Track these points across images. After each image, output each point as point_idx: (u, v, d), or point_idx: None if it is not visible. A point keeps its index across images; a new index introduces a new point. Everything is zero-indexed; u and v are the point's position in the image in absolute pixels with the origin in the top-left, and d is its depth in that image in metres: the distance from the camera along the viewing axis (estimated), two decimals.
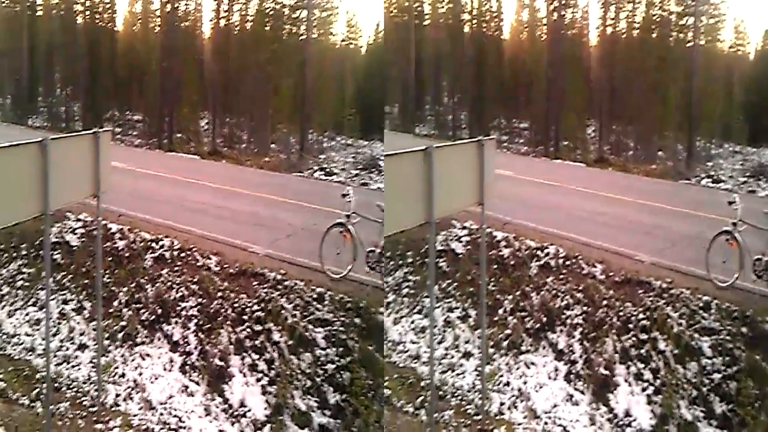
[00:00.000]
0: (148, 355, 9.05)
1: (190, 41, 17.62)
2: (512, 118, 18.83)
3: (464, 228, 11.16)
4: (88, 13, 18.62)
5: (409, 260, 10.93)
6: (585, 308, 9.26)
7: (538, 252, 10.37)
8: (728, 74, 16.40)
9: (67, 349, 9.32)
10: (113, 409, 8.26)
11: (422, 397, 8.56)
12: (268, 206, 12.28)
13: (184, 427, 8.07)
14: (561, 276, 9.87)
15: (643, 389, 8.18)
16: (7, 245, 11.02)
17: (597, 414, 8.18)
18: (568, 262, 10.04)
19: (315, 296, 9.03)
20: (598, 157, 16.82)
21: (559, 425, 8.09)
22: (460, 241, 10.99)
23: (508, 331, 9.46)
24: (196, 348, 8.96)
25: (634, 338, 8.66)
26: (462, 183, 7.15)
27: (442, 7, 19.85)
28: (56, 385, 8.52)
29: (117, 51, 18.78)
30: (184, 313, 9.34)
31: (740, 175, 14.64)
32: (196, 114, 17.45)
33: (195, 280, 9.72)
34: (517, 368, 9.00)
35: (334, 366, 8.41)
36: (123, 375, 8.79)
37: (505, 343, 9.35)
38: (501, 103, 19.04)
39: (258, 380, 8.46)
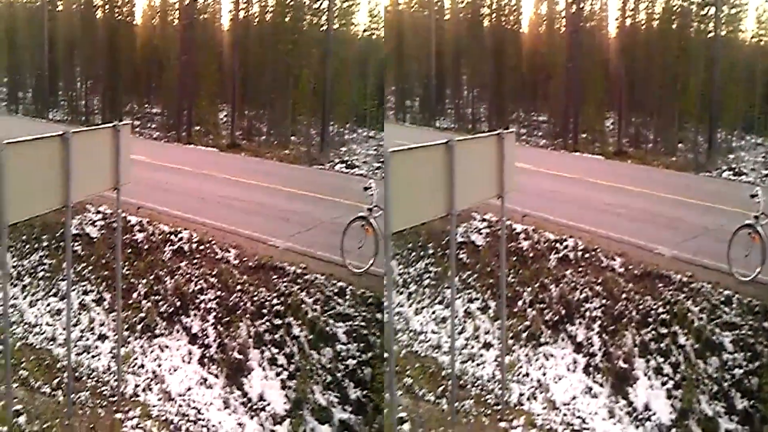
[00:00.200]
0: (166, 346, 9.12)
1: (209, 33, 17.63)
2: (531, 111, 18.76)
3: (484, 220, 11.17)
4: (107, 6, 18.72)
5: (430, 251, 10.99)
6: (604, 301, 9.20)
7: (557, 244, 10.32)
8: (750, 65, 16.18)
9: (88, 340, 9.43)
10: (132, 399, 8.34)
11: (443, 386, 8.59)
12: (289, 199, 12.27)
13: (203, 419, 8.11)
14: (580, 268, 9.82)
15: (663, 383, 8.11)
16: (29, 236, 11.17)
17: (616, 407, 8.13)
18: (587, 255, 9.98)
19: (336, 291, 8.98)
20: (617, 149, 16.69)
21: (578, 417, 8.07)
22: (480, 233, 10.99)
23: (527, 323, 9.45)
24: (214, 341, 8.99)
25: (653, 332, 8.59)
26: (482, 175, 7.18)
27: (462, 2, 19.79)
28: (77, 374, 8.61)
29: (136, 44, 18.88)
30: (202, 305, 9.38)
31: (762, 167, 14.46)
32: (215, 106, 17.44)
33: (214, 272, 9.73)
34: (536, 360, 8.99)
35: (355, 362, 8.36)
36: (142, 366, 8.87)
37: (524, 335, 9.34)
38: (520, 96, 18.97)
39: (277, 374, 8.46)
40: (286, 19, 16.58)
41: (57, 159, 6.60)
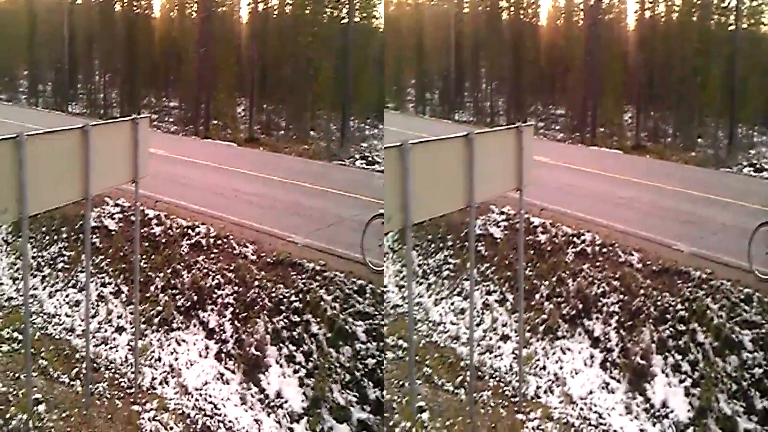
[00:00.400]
0: (183, 340, 9.15)
1: (228, 26, 17.63)
2: (549, 104, 18.68)
3: (502, 213, 11.18)
4: (125, 0, 18.82)
5: (449, 243, 11.02)
6: (621, 296, 9.13)
7: (575, 239, 10.26)
8: None
9: (105, 331, 9.51)
10: (150, 391, 8.40)
11: (461, 377, 8.60)
12: (308, 195, 12.23)
13: (220, 414, 8.13)
14: (597, 263, 9.75)
15: (681, 381, 8.04)
16: (49, 228, 11.28)
17: (633, 403, 8.08)
18: (604, 250, 9.90)
19: (356, 288, 8.93)
20: (636, 143, 16.57)
21: (595, 412, 8.03)
22: (498, 226, 10.99)
23: (545, 316, 9.41)
24: (232, 336, 8.99)
25: (671, 329, 8.51)
26: (501, 168, 7.18)
27: None
28: (95, 365, 8.69)
29: (154, 38, 18.98)
30: (220, 300, 9.38)
31: None
32: (233, 100, 17.43)
33: (231, 268, 9.72)
34: (553, 353, 8.96)
35: (374, 361, 8.31)
36: (159, 359, 8.93)
37: (541, 328, 9.31)
38: (538, 90, 18.90)
39: (295, 372, 8.44)
40: (306, 12, 16.45)
41: (77, 151, 6.64)
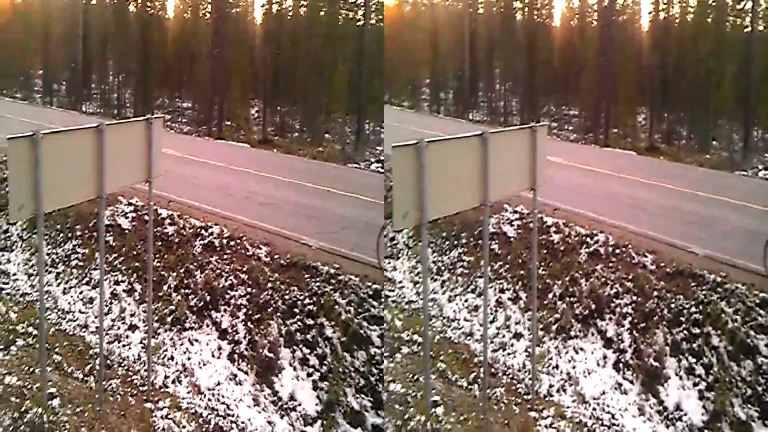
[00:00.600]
0: (196, 340, 9.17)
1: (242, 27, 17.64)
2: (562, 104, 18.62)
3: (515, 212, 11.19)
4: (139, 1, 18.93)
5: (464, 241, 11.03)
6: (635, 298, 9.07)
7: (588, 239, 10.22)
8: None
9: (119, 329, 9.55)
10: (162, 389, 8.43)
11: (475, 373, 8.59)
12: (322, 198, 12.23)
13: (232, 415, 8.13)
14: (611, 264, 9.70)
15: (695, 384, 7.98)
16: (63, 226, 11.36)
17: (646, 405, 8.03)
18: (617, 251, 9.85)
19: (371, 293, 8.95)
20: (649, 145, 16.49)
21: (608, 413, 7.98)
22: (512, 225, 10.99)
23: (557, 316, 9.38)
24: (244, 337, 8.99)
25: (685, 332, 8.45)
26: (515, 168, 7.19)
27: None
28: (108, 362, 8.74)
29: (168, 38, 19.06)
30: (233, 301, 9.40)
31: None
32: (247, 101, 17.42)
33: (244, 269, 9.73)
34: (566, 353, 8.93)
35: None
36: (172, 358, 8.95)
37: (554, 327, 9.27)
38: (551, 90, 18.85)
39: (309, 375, 8.43)
40: (321, 14, 16.41)
41: (91, 150, 6.68)
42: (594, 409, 8.06)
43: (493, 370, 8.75)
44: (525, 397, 8.25)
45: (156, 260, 9.99)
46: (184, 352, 9.00)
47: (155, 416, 7.84)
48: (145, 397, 8.16)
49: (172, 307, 9.57)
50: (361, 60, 15.70)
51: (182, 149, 14.34)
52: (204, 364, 8.82)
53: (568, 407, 8.09)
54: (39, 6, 21.19)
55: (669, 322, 8.62)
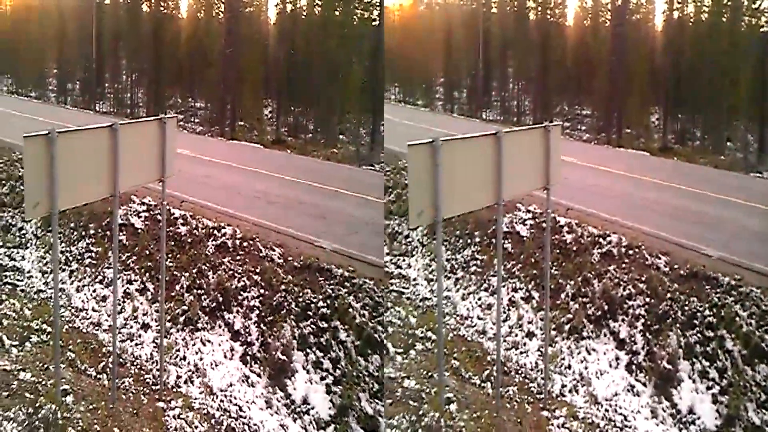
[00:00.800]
0: (209, 341, 9.19)
1: (255, 27, 17.60)
2: (575, 104, 18.52)
3: (528, 212, 11.17)
4: (153, 0, 18.99)
5: (477, 240, 11.02)
6: (648, 299, 9.02)
7: (601, 239, 10.17)
8: None
9: (131, 328, 9.60)
10: (174, 389, 8.46)
11: (488, 371, 8.59)
12: (337, 200, 12.20)
13: (245, 417, 8.15)
14: (623, 265, 9.65)
15: (708, 388, 7.92)
16: (77, 224, 11.42)
17: (659, 408, 7.98)
18: (630, 252, 9.80)
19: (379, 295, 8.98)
20: (663, 145, 16.35)
21: (620, 414, 7.94)
22: (525, 224, 10.98)
23: (570, 316, 9.36)
24: (257, 339, 8.99)
25: (699, 335, 8.38)
26: (529, 167, 7.21)
27: None
28: (121, 360, 8.79)
29: (181, 38, 19.08)
30: (245, 303, 9.40)
31: None
32: (260, 102, 17.36)
33: (257, 270, 9.73)
34: (578, 353, 8.90)
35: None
36: (184, 358, 8.98)
37: (566, 327, 9.25)
38: (564, 90, 18.75)
39: (322, 378, 8.43)
40: (336, 13, 16.33)
41: (105, 149, 6.73)
42: (606, 410, 8.03)
43: (505, 368, 8.76)
44: (537, 396, 8.24)
45: (169, 260, 10.01)
46: (197, 353, 9.03)
47: (167, 416, 7.88)
48: (157, 397, 8.20)
49: (185, 307, 9.60)
50: (376, 60, 15.60)
51: (195, 149, 14.37)
52: (216, 365, 8.84)
53: (580, 408, 8.07)
54: (53, 5, 21.32)
55: (682, 324, 8.56)
